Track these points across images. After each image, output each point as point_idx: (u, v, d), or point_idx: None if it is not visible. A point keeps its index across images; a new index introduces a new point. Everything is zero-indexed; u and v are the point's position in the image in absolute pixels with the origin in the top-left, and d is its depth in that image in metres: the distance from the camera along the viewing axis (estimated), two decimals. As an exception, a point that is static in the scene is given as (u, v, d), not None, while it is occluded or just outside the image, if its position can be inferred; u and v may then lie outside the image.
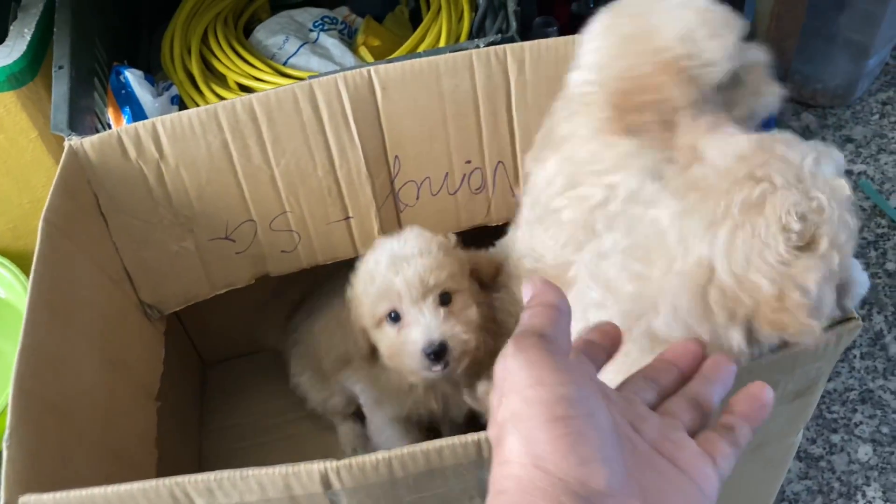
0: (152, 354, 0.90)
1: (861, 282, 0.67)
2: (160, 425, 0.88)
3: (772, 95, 0.74)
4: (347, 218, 0.96)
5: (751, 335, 0.60)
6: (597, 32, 0.77)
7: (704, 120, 0.69)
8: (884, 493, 1.02)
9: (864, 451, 1.06)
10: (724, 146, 0.63)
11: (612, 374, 0.54)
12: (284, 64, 1.15)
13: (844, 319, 0.64)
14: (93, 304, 0.81)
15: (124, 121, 1.04)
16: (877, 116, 1.48)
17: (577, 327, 0.71)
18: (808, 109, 1.51)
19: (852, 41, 1.43)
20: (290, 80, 1.11)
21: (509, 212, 1.00)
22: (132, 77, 1.02)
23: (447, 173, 0.97)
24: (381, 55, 1.17)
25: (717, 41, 0.71)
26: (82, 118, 0.95)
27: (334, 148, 0.92)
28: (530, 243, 0.85)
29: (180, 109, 1.10)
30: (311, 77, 0.94)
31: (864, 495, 1.02)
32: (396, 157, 0.95)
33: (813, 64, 1.48)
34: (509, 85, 0.93)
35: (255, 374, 1.19)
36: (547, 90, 0.93)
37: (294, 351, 1.10)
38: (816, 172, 0.60)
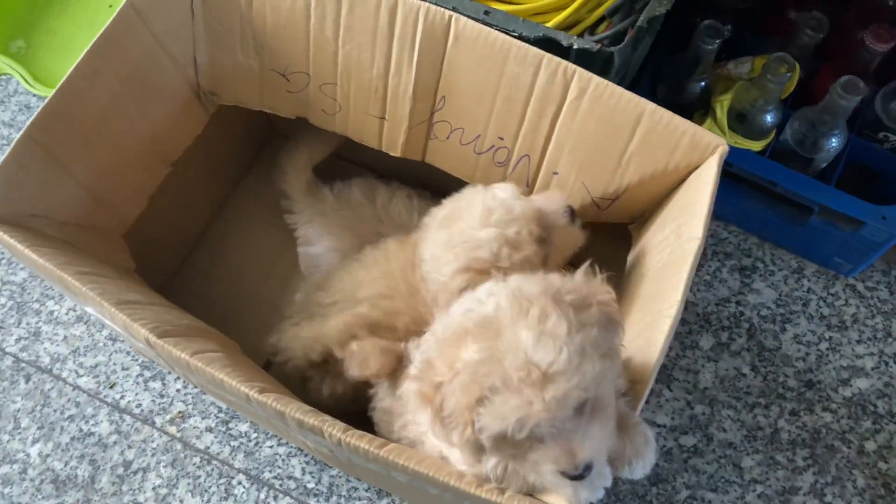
0: (186, 130, 1.07)
1: None
2: (177, 181, 1.09)
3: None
4: (382, 118, 1.03)
5: None
6: None
7: None
8: None
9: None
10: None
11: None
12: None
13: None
14: (145, 76, 0.97)
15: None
16: None
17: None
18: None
19: None
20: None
21: (518, 194, 1.04)
22: None
23: (479, 136, 1.00)
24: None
25: None
26: None
27: (394, 60, 0.97)
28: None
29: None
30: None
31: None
32: (444, 97, 0.99)
33: None
34: (563, 103, 0.92)
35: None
36: (594, 128, 0.92)
37: None
38: None
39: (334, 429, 0.74)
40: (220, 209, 1.32)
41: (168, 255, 1.24)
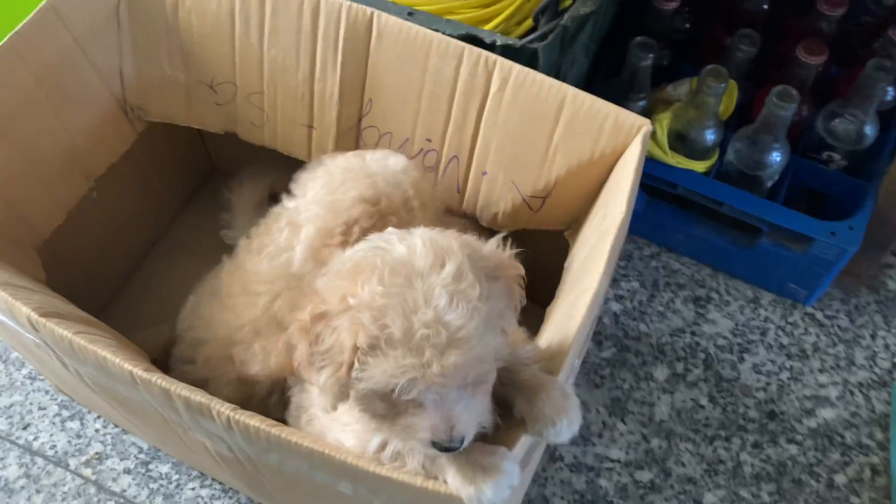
0: (111, 145, 1.05)
1: None
2: (103, 203, 1.05)
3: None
4: (311, 126, 1.01)
5: None
6: None
7: None
8: None
9: None
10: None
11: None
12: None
13: None
14: (63, 80, 0.95)
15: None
16: None
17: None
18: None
19: None
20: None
21: (451, 200, 1.00)
22: None
23: (407, 139, 0.98)
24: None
25: None
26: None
27: (318, 62, 0.96)
28: None
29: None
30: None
31: None
32: (370, 99, 0.97)
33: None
34: (487, 95, 0.90)
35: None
36: (519, 120, 0.90)
37: None
38: None
39: (223, 406, 0.67)
40: (155, 245, 1.27)
41: (96, 288, 1.18)
